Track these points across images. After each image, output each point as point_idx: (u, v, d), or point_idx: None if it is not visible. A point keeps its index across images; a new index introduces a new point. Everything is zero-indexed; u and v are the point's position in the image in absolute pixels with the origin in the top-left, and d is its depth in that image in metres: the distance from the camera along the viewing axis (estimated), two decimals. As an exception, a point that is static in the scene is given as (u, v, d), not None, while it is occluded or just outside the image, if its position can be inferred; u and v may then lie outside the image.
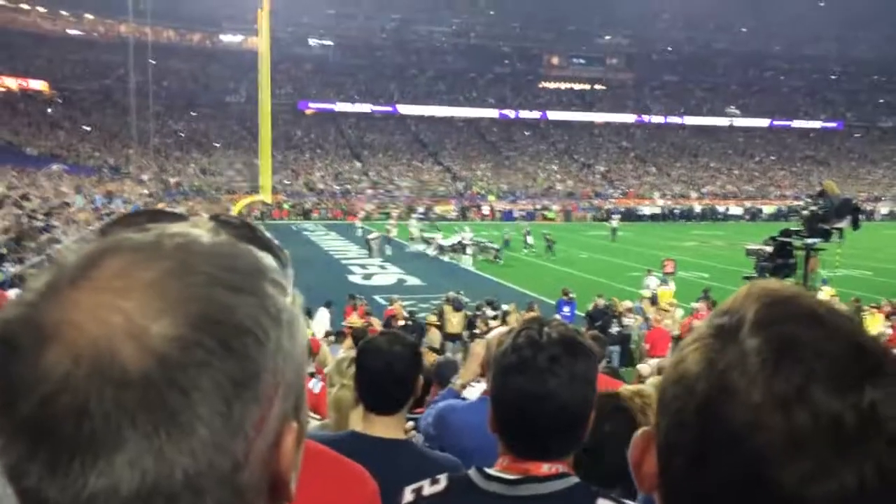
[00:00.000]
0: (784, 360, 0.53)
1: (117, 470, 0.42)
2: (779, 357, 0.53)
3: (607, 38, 78.84)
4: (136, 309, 0.44)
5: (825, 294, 15.78)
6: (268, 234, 0.56)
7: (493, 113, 71.48)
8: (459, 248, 27.97)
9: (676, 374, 0.58)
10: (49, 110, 57.55)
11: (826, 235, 14.75)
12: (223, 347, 0.45)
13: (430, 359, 8.99)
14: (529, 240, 30.60)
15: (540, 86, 76.19)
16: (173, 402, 0.43)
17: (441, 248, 28.73)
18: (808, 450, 0.50)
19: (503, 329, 2.03)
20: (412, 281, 23.52)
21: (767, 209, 54.89)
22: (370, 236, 29.70)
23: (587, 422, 1.41)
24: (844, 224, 14.39)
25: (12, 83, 56.92)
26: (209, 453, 0.44)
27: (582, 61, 78.12)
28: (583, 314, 15.14)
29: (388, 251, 29.16)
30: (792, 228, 15.92)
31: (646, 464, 0.60)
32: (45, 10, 61.86)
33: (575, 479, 1.38)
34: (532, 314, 9.75)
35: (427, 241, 30.71)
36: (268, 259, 0.52)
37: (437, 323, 14.23)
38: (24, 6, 60.55)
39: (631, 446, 0.62)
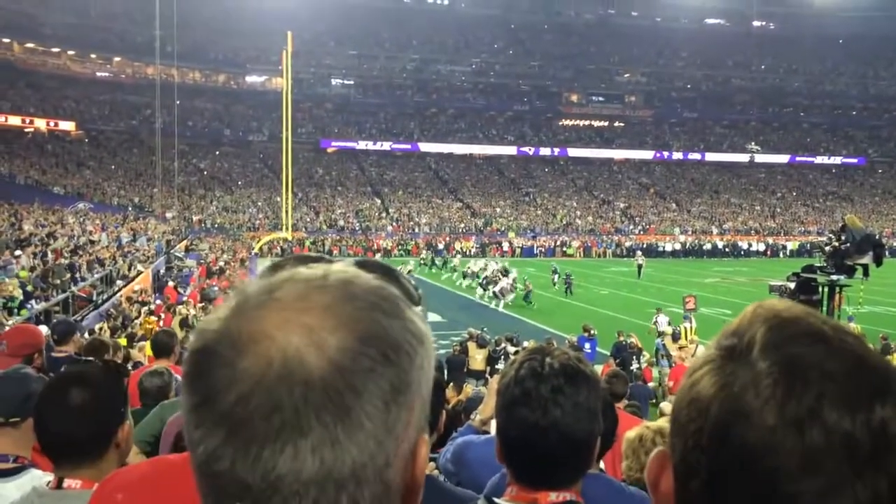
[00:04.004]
0: (794, 382, 0.55)
1: (301, 455, 0.50)
2: (789, 379, 0.55)
3: (626, 75, 79.23)
4: (317, 324, 0.53)
5: (850, 331, 15.44)
6: (405, 276, 0.65)
7: (512, 150, 71.84)
8: (500, 292, 26.49)
9: (690, 396, 0.60)
10: (76, 150, 58.69)
11: (850, 271, 14.54)
12: (384, 358, 0.53)
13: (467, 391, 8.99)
14: (556, 278, 29.97)
15: (559, 123, 76.49)
16: (348, 401, 0.51)
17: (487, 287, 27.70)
18: (822, 467, 0.53)
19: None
20: (431, 317, 23.47)
21: (790, 245, 54.39)
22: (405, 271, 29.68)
23: (593, 449, 1.42)
24: (867, 259, 14.17)
25: (41, 124, 58.15)
26: (371, 446, 0.52)
27: (601, 99, 78.42)
28: (607, 352, 15.03)
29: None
30: (815, 265, 15.76)
31: (662, 483, 0.63)
32: (75, 53, 63.41)
33: None
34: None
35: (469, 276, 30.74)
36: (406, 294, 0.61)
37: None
38: (55, 49, 62.09)
39: (647, 466, 0.65)
